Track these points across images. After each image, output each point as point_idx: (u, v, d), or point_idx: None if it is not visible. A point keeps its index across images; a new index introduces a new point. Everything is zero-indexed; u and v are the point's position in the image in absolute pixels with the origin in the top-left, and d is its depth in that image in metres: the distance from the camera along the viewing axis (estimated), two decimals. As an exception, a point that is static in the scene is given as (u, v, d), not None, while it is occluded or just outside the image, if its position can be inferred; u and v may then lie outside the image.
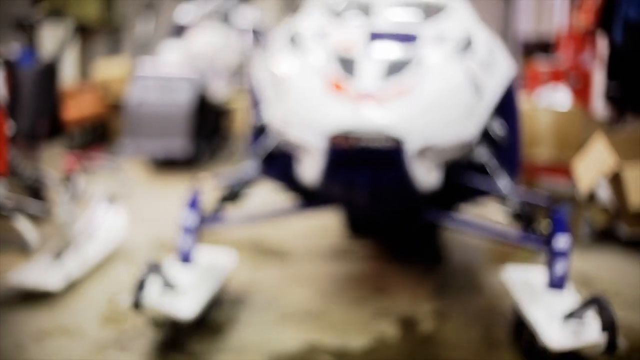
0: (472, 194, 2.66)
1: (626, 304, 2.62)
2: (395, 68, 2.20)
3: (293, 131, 2.29)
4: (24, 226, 3.04)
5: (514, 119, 2.63)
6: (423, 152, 2.19)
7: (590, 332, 1.99)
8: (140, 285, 2.07)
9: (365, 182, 2.23)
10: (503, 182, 2.44)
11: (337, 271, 3.01)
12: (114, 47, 8.44)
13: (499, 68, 2.50)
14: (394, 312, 2.51)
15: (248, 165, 2.57)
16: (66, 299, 2.57)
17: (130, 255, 3.13)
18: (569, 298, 2.20)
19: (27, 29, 3.78)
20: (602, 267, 3.07)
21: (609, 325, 1.87)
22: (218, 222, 2.51)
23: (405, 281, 2.87)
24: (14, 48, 3.73)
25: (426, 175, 2.26)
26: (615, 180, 3.31)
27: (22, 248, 3.03)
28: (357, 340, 2.26)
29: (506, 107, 2.56)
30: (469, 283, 2.87)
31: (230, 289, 2.70)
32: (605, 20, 3.93)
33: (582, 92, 4.70)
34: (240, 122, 6.74)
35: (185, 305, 2.14)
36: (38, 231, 3.13)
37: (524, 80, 5.15)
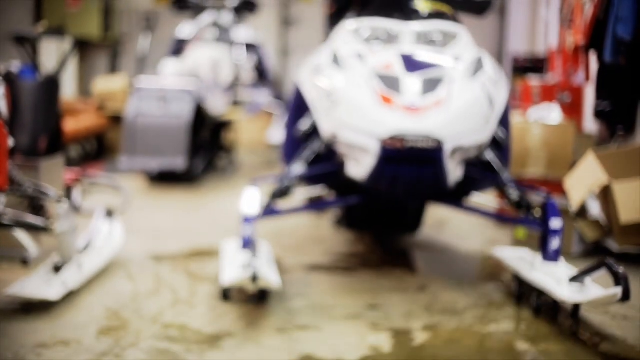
0: (480, 186, 3.18)
1: (617, 317, 2.67)
2: (431, 85, 2.68)
3: (347, 135, 2.73)
4: (23, 239, 3.08)
5: (508, 127, 3.09)
6: (454, 152, 2.68)
7: (595, 290, 2.42)
8: (255, 260, 2.54)
9: (410, 176, 2.71)
10: (505, 176, 2.94)
11: (330, 284, 3.05)
12: (114, 64, 8.51)
13: (502, 84, 2.95)
14: (388, 326, 2.55)
15: (295, 166, 2.96)
16: (64, 310, 2.60)
17: (127, 267, 3.18)
18: (566, 268, 2.69)
19: (27, 45, 3.83)
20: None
21: (623, 278, 2.25)
22: (270, 214, 2.95)
23: (399, 295, 2.91)
24: (14, 64, 3.78)
25: (454, 171, 2.77)
26: (605, 196, 3.36)
27: (21, 261, 3.07)
28: (351, 354, 2.29)
29: (504, 117, 3.00)
30: (462, 297, 2.91)
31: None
32: (595, 38, 4.00)
33: (573, 110, 4.74)
34: (236, 134, 6.80)
35: (274, 278, 2.61)
36: (37, 244, 3.17)
37: (517, 99, 5.19)
